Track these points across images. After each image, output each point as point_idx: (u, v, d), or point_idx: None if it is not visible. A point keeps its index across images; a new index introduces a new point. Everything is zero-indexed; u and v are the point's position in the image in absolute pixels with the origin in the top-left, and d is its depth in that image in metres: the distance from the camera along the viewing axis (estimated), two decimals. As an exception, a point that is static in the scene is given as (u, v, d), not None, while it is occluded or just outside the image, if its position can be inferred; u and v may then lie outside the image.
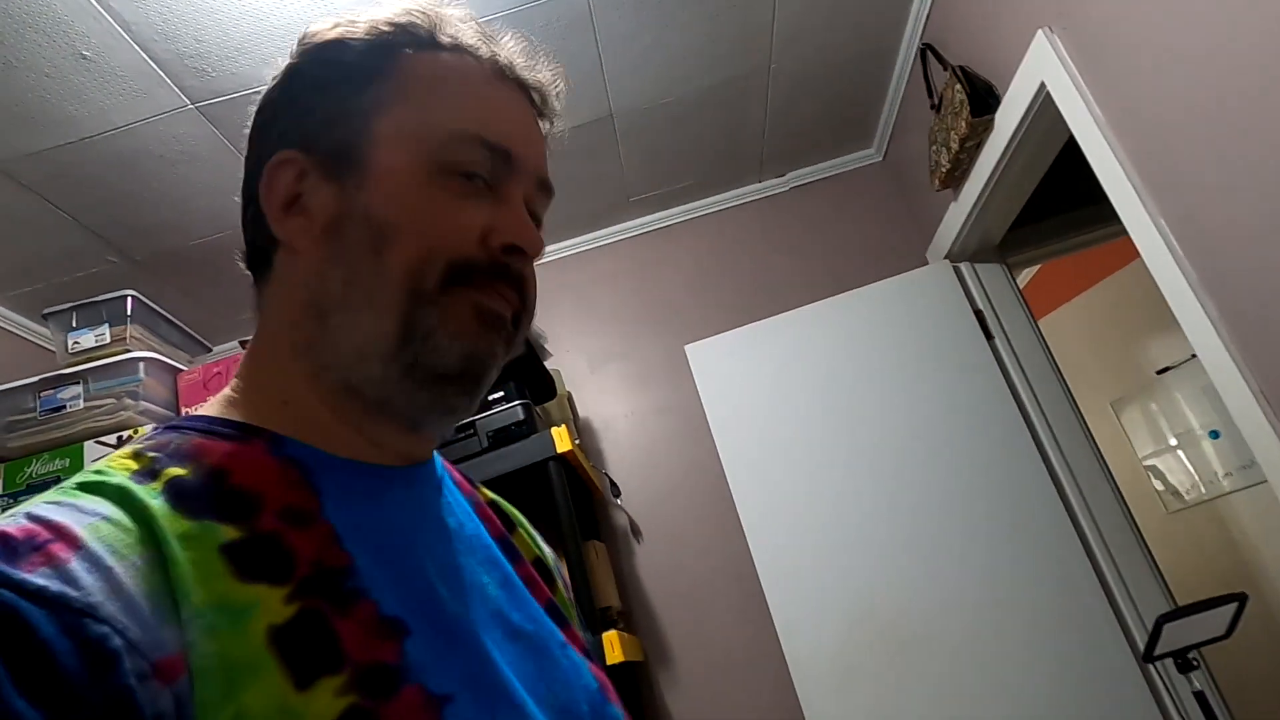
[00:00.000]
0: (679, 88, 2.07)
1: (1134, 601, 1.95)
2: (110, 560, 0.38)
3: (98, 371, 1.85)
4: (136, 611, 0.37)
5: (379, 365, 0.51)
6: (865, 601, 2.03)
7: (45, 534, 0.38)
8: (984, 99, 1.79)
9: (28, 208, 1.81)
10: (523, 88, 0.59)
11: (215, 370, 1.94)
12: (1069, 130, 1.58)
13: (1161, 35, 1.27)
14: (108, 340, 1.90)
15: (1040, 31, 1.54)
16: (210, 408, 0.53)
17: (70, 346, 1.90)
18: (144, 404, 1.85)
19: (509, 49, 0.59)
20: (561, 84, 0.63)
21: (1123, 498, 2.09)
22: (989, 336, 2.22)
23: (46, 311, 1.96)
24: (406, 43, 0.55)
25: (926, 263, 2.41)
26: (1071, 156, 1.77)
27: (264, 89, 0.58)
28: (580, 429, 2.37)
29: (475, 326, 0.52)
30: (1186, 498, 2.86)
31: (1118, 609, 1.94)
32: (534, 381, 1.99)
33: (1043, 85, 1.58)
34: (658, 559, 2.27)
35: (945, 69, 1.90)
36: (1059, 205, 2.41)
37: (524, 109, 0.59)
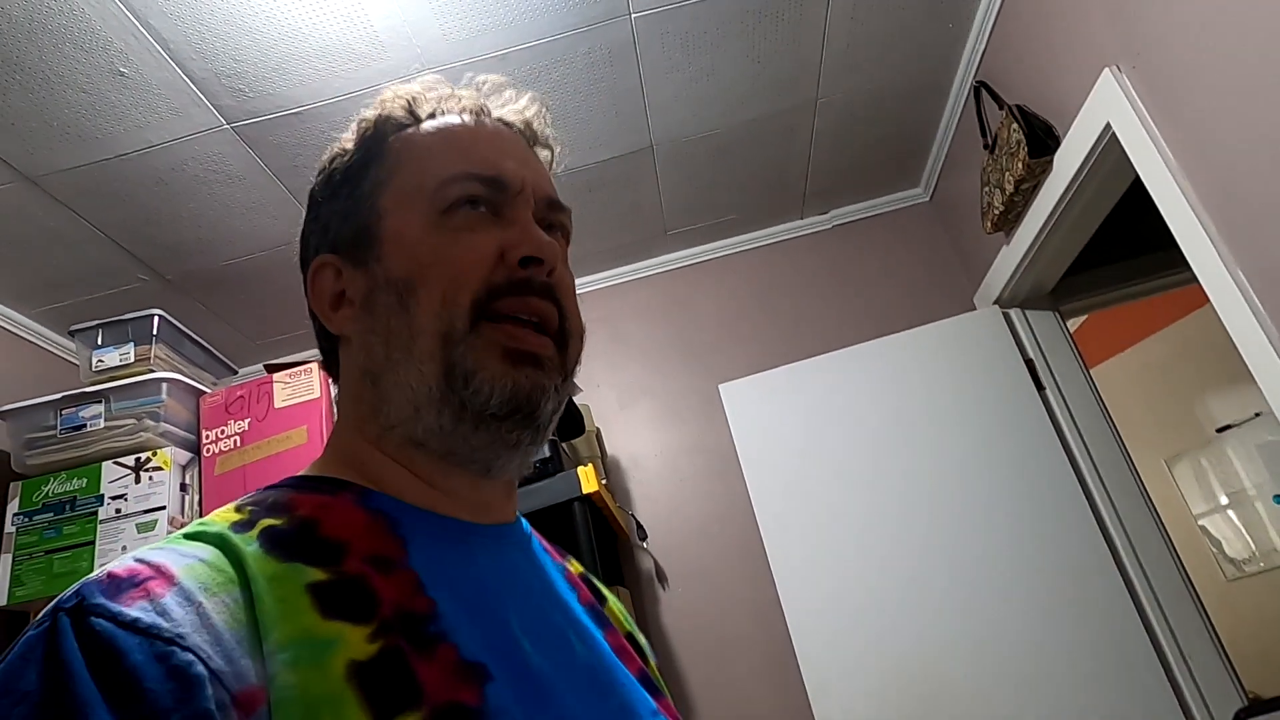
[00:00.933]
0: (722, 120, 2.02)
1: (1195, 679, 1.81)
2: (201, 596, 0.41)
3: (120, 391, 1.82)
4: (222, 644, 0.40)
5: (433, 414, 0.53)
6: (904, 662, 1.91)
7: (146, 572, 0.42)
8: (1042, 139, 1.71)
9: (61, 223, 1.80)
10: (506, 124, 0.64)
11: (239, 393, 1.90)
12: (1135, 173, 1.49)
13: (1238, 75, 1.19)
14: (132, 359, 1.87)
15: (1107, 70, 1.46)
16: (304, 471, 0.57)
17: (94, 364, 1.87)
18: (164, 425, 1.81)
19: (484, 93, 0.64)
20: (541, 109, 0.67)
21: (1181, 563, 1.96)
22: (1040, 387, 2.11)
23: (74, 328, 1.94)
24: (391, 129, 0.61)
25: (974, 308, 2.31)
26: (1132, 200, 1.68)
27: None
28: (607, 467, 2.29)
29: (506, 367, 0.53)
30: (1246, 567, 2.70)
31: (1177, 685, 1.81)
32: (562, 416, 1.92)
33: (1108, 126, 1.49)
34: (683, 607, 2.18)
35: (1000, 107, 1.82)
36: (1117, 251, 2.30)
37: (510, 140, 0.63)
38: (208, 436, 1.87)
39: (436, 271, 0.54)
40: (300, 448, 1.82)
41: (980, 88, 1.93)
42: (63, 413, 1.81)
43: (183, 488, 1.80)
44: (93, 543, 1.71)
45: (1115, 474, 2.03)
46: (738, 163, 2.20)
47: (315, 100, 1.66)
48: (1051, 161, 1.72)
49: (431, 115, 0.61)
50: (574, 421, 1.94)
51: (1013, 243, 2.00)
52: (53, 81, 1.48)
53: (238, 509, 0.50)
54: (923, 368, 2.16)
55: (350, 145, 0.62)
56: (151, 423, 1.79)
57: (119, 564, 0.43)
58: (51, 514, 1.75)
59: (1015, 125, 1.74)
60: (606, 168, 2.08)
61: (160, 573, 0.42)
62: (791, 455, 2.14)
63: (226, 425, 1.87)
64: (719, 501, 2.26)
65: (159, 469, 1.77)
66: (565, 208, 0.62)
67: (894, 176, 2.46)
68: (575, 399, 2.03)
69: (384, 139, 0.61)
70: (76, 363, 2.02)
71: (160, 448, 1.79)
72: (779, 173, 2.30)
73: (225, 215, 1.90)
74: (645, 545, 2.23)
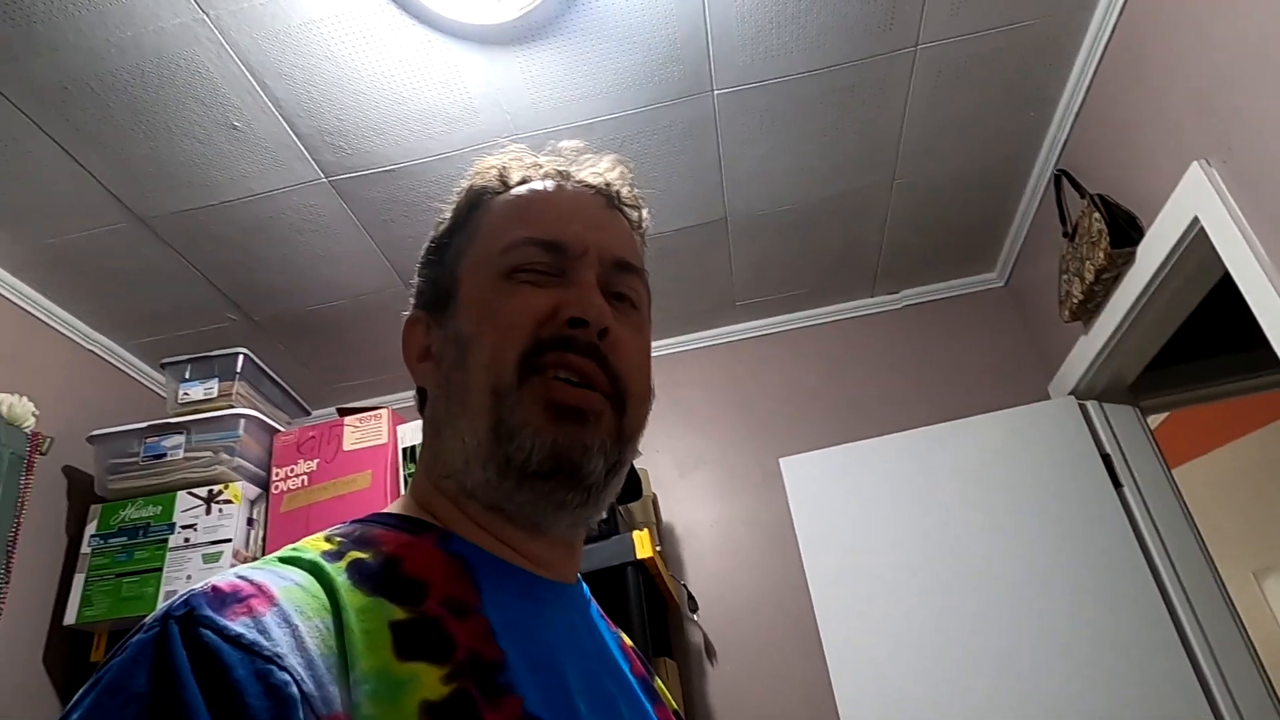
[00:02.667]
0: (797, 196, 2.05)
1: (1286, 814, 1.66)
2: (298, 619, 0.43)
3: (201, 424, 1.89)
4: (314, 668, 0.41)
5: (480, 468, 0.54)
6: (959, 767, 1.81)
7: (249, 589, 0.44)
8: (1125, 230, 1.68)
9: (164, 262, 1.91)
10: (588, 186, 0.65)
11: (310, 434, 1.96)
12: (1223, 268, 1.45)
13: (1343, 174, 1.16)
14: (215, 394, 1.95)
15: (1196, 164, 1.44)
16: (388, 508, 0.59)
17: (180, 397, 1.96)
18: (238, 460, 1.87)
19: (568, 158, 0.67)
20: (624, 171, 0.68)
21: (1270, 683, 1.82)
22: (1117, 484, 2.02)
23: (165, 361, 2.04)
24: (480, 198, 0.65)
25: (1048, 397, 2.25)
26: (1221, 296, 1.63)
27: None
28: (661, 534, 2.27)
29: (548, 421, 0.53)
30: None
31: (1265, 821, 1.66)
32: (620, 479, 1.92)
33: (1196, 220, 1.46)
34: (730, 682, 2.11)
35: (1082, 196, 1.81)
36: (1203, 348, 2.22)
37: (587, 204, 0.64)
38: (277, 474, 1.93)
39: (489, 326, 0.57)
40: (363, 491, 1.86)
41: (1061, 175, 1.91)
42: (146, 441, 1.89)
43: (249, 522, 1.85)
44: (161, 569, 1.76)
45: (1198, 582, 1.92)
46: (810, 238, 2.22)
47: (408, 160, 1.75)
48: (1135, 253, 1.68)
49: (521, 182, 0.65)
50: (632, 484, 1.94)
51: (1091, 333, 1.95)
52: (172, 131, 1.60)
53: (327, 539, 0.52)
54: (992, 456, 2.10)
55: (448, 214, 0.67)
56: (227, 456, 1.86)
57: (223, 579, 0.45)
58: (125, 538, 1.81)
59: (1097, 214, 1.72)
60: (680, 236, 2.12)
61: (261, 591, 0.44)
62: (850, 535, 2.08)
63: (296, 464, 1.93)
64: (773, 577, 2.21)
65: (229, 501, 1.82)
66: (637, 269, 0.63)
67: (968, 260, 2.44)
68: (634, 462, 2.03)
69: (473, 207, 0.65)
70: (164, 394, 2.12)
71: (232, 481, 1.85)
72: (851, 250, 2.30)
73: (314, 263, 1.99)
74: (695, 617, 2.18)
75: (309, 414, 2.30)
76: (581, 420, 0.54)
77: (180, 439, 1.88)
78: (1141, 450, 2.08)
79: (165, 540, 1.80)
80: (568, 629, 0.57)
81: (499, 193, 0.65)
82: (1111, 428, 2.11)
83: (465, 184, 0.67)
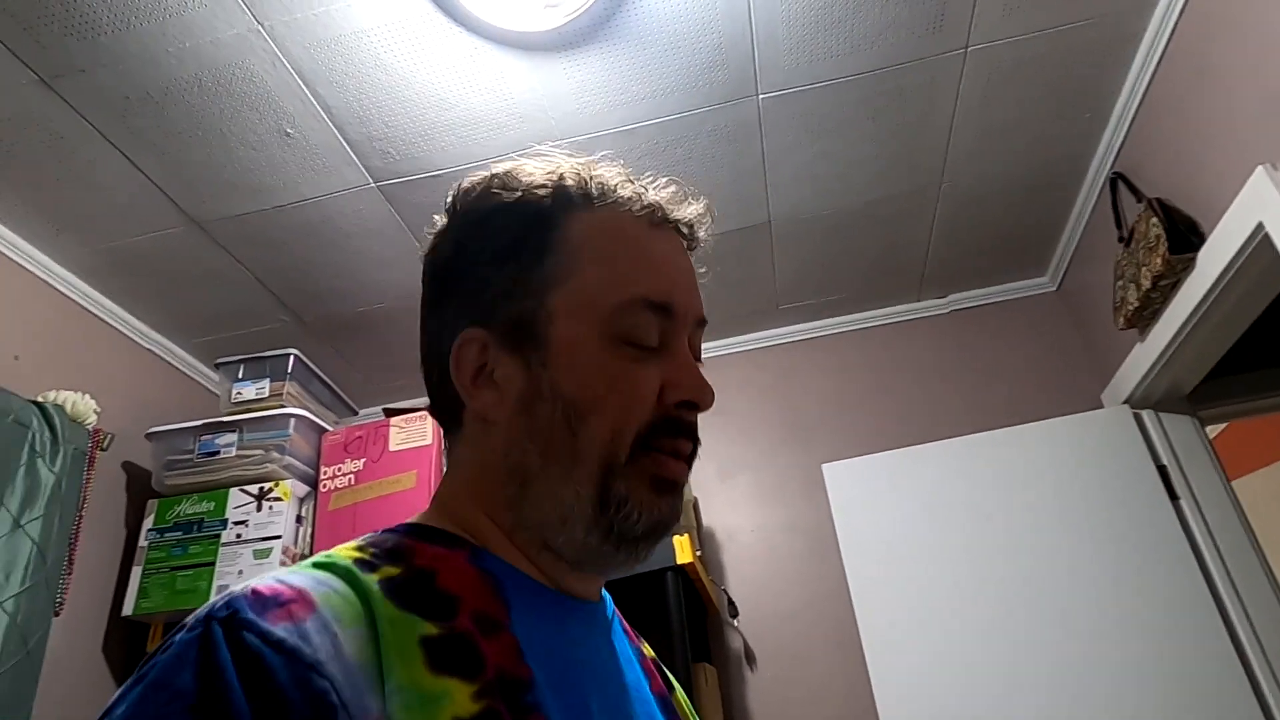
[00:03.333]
0: (841, 200, 2.03)
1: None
2: (336, 627, 0.43)
3: (253, 423, 1.94)
4: (351, 676, 0.42)
5: (581, 530, 0.54)
6: (1005, 783, 1.77)
7: (289, 593, 0.44)
8: (1184, 236, 1.63)
9: (220, 264, 1.97)
10: (673, 226, 0.62)
11: (357, 434, 2.00)
12: (1290, 276, 1.40)
13: None
14: (266, 394, 2.00)
15: (1260, 168, 1.39)
16: (417, 519, 0.59)
17: (233, 396, 2.01)
18: (288, 459, 1.92)
19: (657, 191, 0.62)
20: (709, 216, 0.65)
21: (1335, 708, 1.75)
22: (1174, 496, 1.96)
23: (219, 361, 2.10)
24: (563, 208, 0.59)
25: (1101, 406, 2.19)
26: (1288, 306, 1.57)
27: (430, 252, 0.64)
28: (702, 539, 2.26)
29: (654, 496, 0.55)
30: None
31: None
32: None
33: (1260, 226, 1.41)
34: (770, 689, 2.10)
35: (1139, 200, 1.76)
36: (1265, 356, 2.15)
37: (677, 251, 0.62)
38: (325, 472, 1.97)
39: (610, 404, 0.55)
40: (408, 491, 1.89)
41: (1117, 179, 1.86)
42: (201, 439, 1.95)
43: (298, 520, 1.90)
44: (213, 564, 1.81)
45: (1258, 598, 1.85)
46: (855, 242, 2.19)
47: (454, 165, 1.77)
48: (1194, 259, 1.63)
49: (603, 198, 0.60)
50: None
51: (1148, 341, 1.90)
52: (228, 138, 1.64)
53: (359, 549, 0.52)
54: (1042, 465, 2.05)
55: (518, 203, 0.59)
56: (277, 455, 1.90)
57: (262, 582, 0.45)
58: (180, 533, 1.87)
59: (1155, 219, 1.67)
60: (722, 240, 2.11)
61: (302, 597, 0.44)
62: (894, 542, 2.05)
63: (344, 463, 1.97)
64: (814, 584, 2.19)
65: (279, 499, 1.87)
66: (706, 323, 0.63)
67: (1019, 264, 2.39)
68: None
69: (555, 217, 0.59)
70: (217, 393, 2.18)
71: (283, 479, 1.90)
72: (897, 255, 2.27)
73: (362, 266, 2.03)
74: (735, 623, 2.17)
75: (356, 413, 2.34)
76: (678, 490, 0.57)
77: (233, 437, 1.93)
78: (1199, 461, 2.02)
79: (218, 536, 1.85)
80: (592, 650, 0.57)
81: (579, 206, 0.59)
82: (1168, 438, 2.04)
83: (539, 178, 0.60)
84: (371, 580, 0.48)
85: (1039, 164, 1.98)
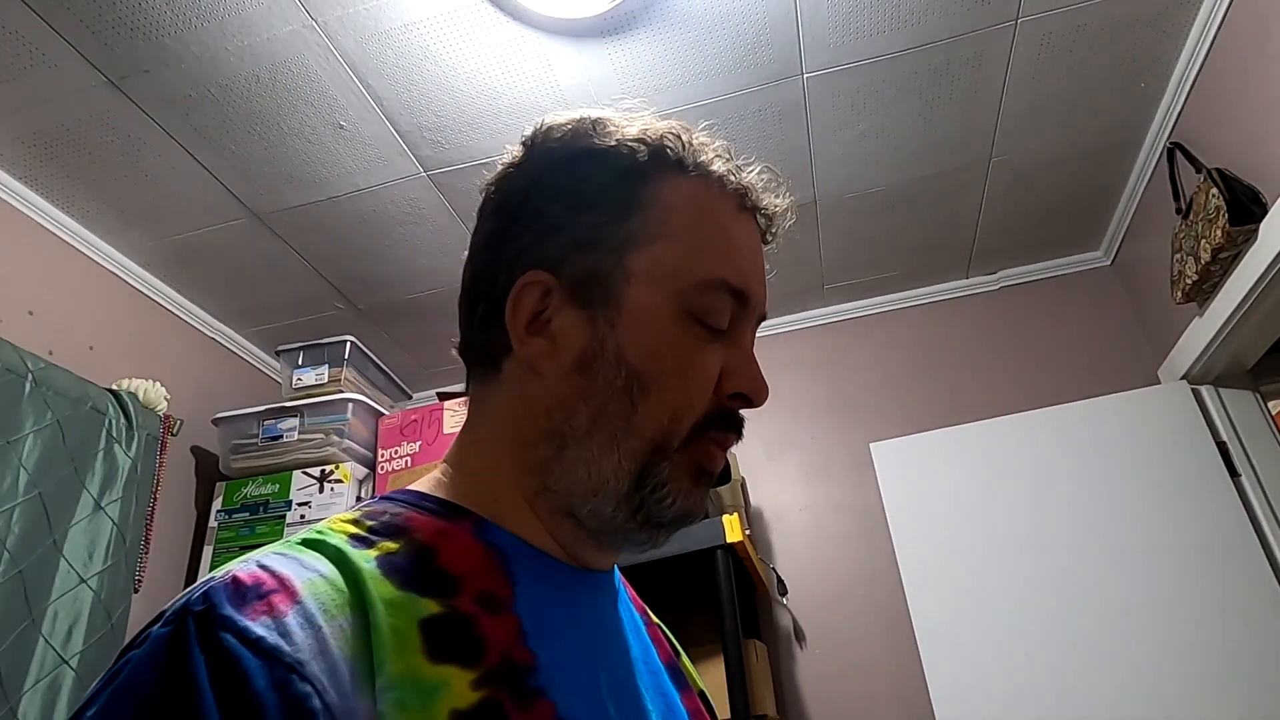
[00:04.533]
0: (888, 177, 2.01)
1: None
2: (321, 619, 0.41)
3: (313, 408, 2.01)
4: (337, 675, 0.39)
5: (609, 504, 0.52)
6: (1059, 760, 1.77)
7: (271, 584, 0.41)
8: (1246, 206, 1.59)
9: (278, 255, 2.03)
10: (756, 217, 0.59)
11: (412, 418, 2.06)
12: (1358, 247, 1.36)
13: None
14: (325, 380, 2.07)
15: (1326, 134, 1.35)
16: (421, 485, 0.55)
17: (294, 382, 2.08)
18: (347, 442, 1.98)
19: (749, 173, 0.59)
20: (791, 214, 0.62)
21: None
22: (1234, 473, 1.92)
23: (280, 348, 2.17)
24: (657, 167, 0.55)
25: (1158, 382, 2.15)
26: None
27: (499, 183, 0.59)
28: (750, 518, 2.28)
29: (692, 486, 0.53)
30: None
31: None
32: (709, 463, 1.94)
33: (1326, 194, 1.37)
34: (820, 667, 2.12)
35: (1198, 171, 1.71)
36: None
37: (756, 239, 0.59)
38: (383, 455, 2.03)
39: (674, 383, 0.52)
40: (463, 472, 1.94)
41: (1175, 149, 1.82)
42: (264, 424, 2.02)
43: (359, 500, 1.96)
44: (279, 543, 1.89)
45: (1324, 578, 1.81)
46: (902, 219, 2.17)
47: (502, 153, 1.79)
48: (1257, 230, 1.59)
49: (697, 167, 0.56)
50: (723, 468, 1.95)
51: (1206, 315, 1.86)
52: (284, 132, 1.69)
53: (355, 522, 0.49)
54: (1097, 443, 2.02)
55: (610, 150, 0.56)
56: (337, 438, 1.97)
57: (243, 567, 0.42)
58: (247, 514, 1.95)
59: (1215, 190, 1.63)
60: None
61: (284, 586, 0.41)
62: (944, 521, 2.05)
63: (400, 446, 2.02)
64: (864, 562, 2.19)
65: (340, 481, 1.93)
66: (766, 317, 0.61)
67: (1071, 238, 2.34)
68: (723, 446, 2.04)
69: (647, 175, 0.55)
70: (279, 380, 2.25)
71: (342, 462, 1.96)
72: (945, 231, 2.25)
73: (414, 253, 2.08)
74: (785, 601, 2.19)
75: (410, 397, 2.40)
76: (713, 481, 0.55)
77: (295, 422, 2.01)
78: (1261, 437, 1.97)
79: (283, 516, 1.92)
80: (599, 622, 0.55)
81: (676, 172, 0.56)
82: (1228, 414, 2.00)
83: (634, 131, 0.56)
84: (367, 557, 0.45)
85: (1092, 135, 1.94)
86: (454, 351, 0.61)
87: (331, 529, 0.48)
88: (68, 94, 1.54)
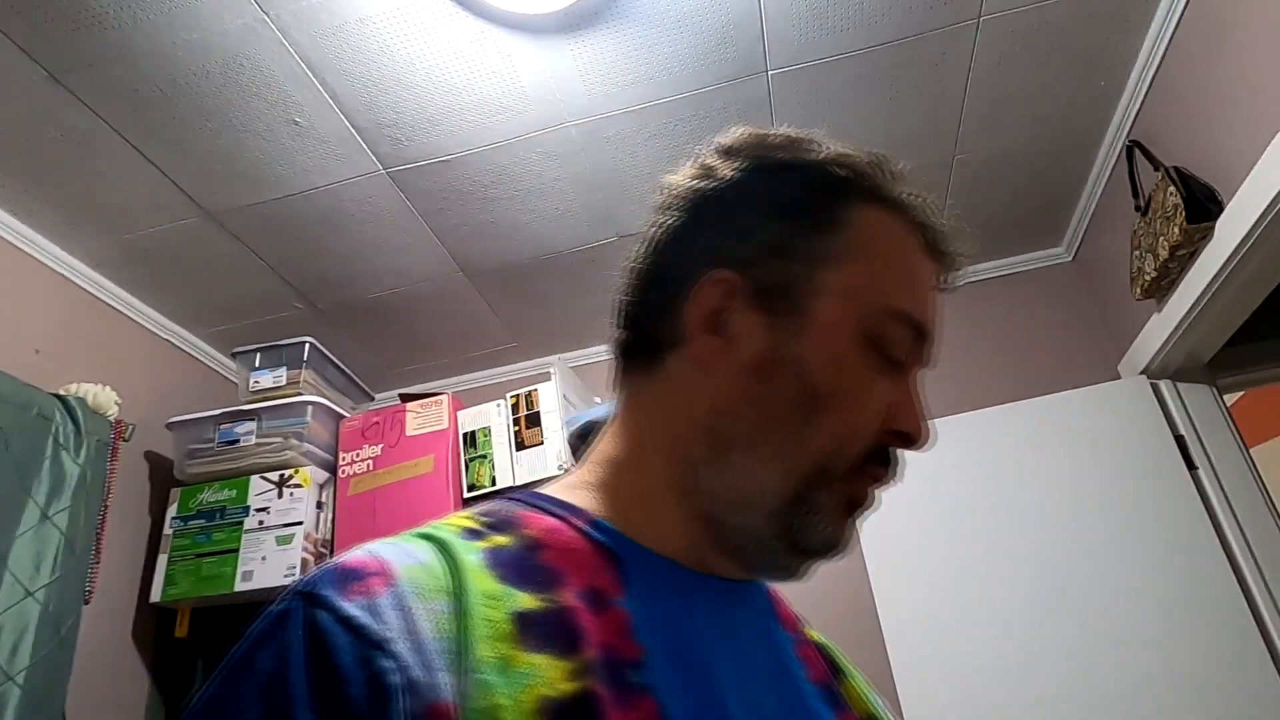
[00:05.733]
0: (854, 175, 2.00)
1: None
2: (412, 601, 0.42)
3: (271, 411, 1.97)
4: (423, 653, 0.40)
5: (759, 519, 0.51)
6: (1023, 753, 1.79)
7: (373, 567, 0.44)
8: (1203, 204, 1.61)
9: (233, 254, 1.98)
10: (941, 264, 0.59)
11: (374, 420, 2.02)
12: (1311, 245, 1.38)
13: None
14: (284, 382, 2.02)
15: (1280, 134, 1.37)
16: (552, 487, 0.56)
17: (251, 385, 2.03)
18: (307, 446, 1.94)
19: (942, 220, 0.59)
20: (964, 275, 0.62)
21: (1356, 676, 1.75)
22: (1191, 466, 1.95)
23: (236, 350, 2.12)
24: (857, 191, 0.55)
25: (1119, 377, 2.18)
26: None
27: (693, 178, 0.58)
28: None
29: (843, 516, 0.53)
30: None
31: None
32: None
33: (1280, 193, 1.39)
34: (789, 666, 2.11)
35: (1156, 169, 1.73)
36: (1285, 325, 2.12)
37: (936, 286, 0.59)
38: (344, 458, 1.99)
39: (849, 406, 0.51)
40: (426, 476, 1.91)
41: (1134, 147, 1.84)
42: (220, 427, 1.97)
43: (319, 505, 1.92)
44: (237, 550, 1.84)
45: (1276, 566, 1.84)
46: (868, 217, 2.17)
47: (463, 149, 1.76)
48: (1213, 228, 1.61)
49: (894, 199, 0.56)
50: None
51: (1165, 311, 1.88)
52: (237, 129, 1.64)
53: (471, 517, 0.51)
54: (1058, 437, 2.04)
55: (811, 166, 0.56)
56: (296, 442, 1.93)
57: (353, 553, 0.46)
58: (204, 520, 1.90)
59: (1173, 188, 1.65)
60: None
61: (383, 570, 0.44)
62: (910, 518, 2.05)
63: (361, 449, 1.99)
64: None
65: (299, 486, 1.89)
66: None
67: (1033, 235, 2.36)
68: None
69: (847, 196, 0.55)
70: (236, 381, 2.20)
71: (302, 466, 1.92)
72: (910, 228, 2.25)
73: (375, 252, 2.03)
74: (753, 599, 2.18)
75: (372, 399, 2.36)
76: (858, 519, 0.54)
77: (252, 425, 1.96)
78: (1218, 431, 2.00)
79: (240, 523, 1.87)
80: (731, 630, 0.53)
81: (873, 199, 0.56)
82: (1186, 408, 2.03)
83: (836, 152, 0.56)
84: (473, 549, 0.47)
85: (1054, 133, 1.95)
86: (610, 343, 0.60)
87: (447, 523, 0.50)
88: (6, 88, 1.48)
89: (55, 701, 1.56)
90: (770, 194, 0.56)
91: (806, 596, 2.15)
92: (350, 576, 0.43)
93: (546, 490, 0.56)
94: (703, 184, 0.57)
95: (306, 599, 0.42)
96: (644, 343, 0.57)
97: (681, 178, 0.59)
